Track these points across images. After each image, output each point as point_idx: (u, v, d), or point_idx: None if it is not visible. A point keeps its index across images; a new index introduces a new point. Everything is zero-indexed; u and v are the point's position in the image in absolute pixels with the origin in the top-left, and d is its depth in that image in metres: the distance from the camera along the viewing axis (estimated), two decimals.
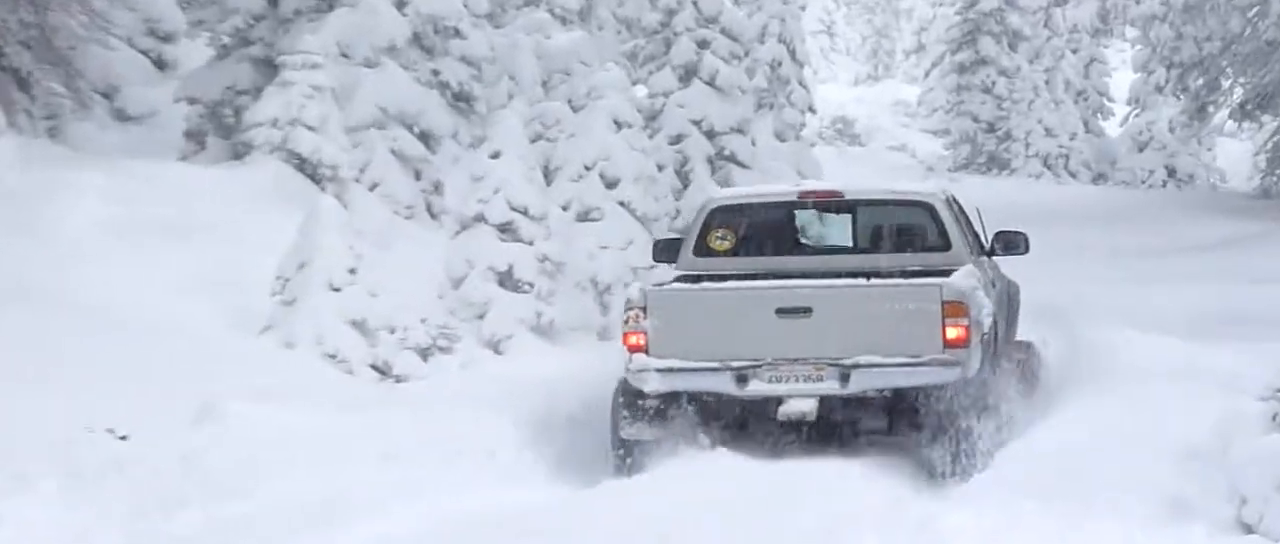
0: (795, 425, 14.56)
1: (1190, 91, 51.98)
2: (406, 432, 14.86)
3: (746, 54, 32.37)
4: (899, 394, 14.23)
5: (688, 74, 30.54)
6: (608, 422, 14.53)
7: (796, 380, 14.19)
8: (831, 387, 14.15)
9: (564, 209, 24.16)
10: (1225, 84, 50.56)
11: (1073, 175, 63.24)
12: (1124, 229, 42.69)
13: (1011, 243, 16.27)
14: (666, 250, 16.33)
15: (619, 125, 24.82)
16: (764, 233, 15.92)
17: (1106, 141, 65.32)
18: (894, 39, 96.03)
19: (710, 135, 30.38)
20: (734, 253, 15.70)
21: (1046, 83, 64.03)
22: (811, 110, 36.21)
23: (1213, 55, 49.79)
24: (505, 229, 21.87)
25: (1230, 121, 52.32)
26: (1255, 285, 28.46)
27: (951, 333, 13.94)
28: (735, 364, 14.19)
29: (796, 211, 16.20)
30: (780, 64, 36.72)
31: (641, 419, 14.35)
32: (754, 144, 30.73)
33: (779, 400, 14.38)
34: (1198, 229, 42.57)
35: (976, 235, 16.34)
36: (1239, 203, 52.28)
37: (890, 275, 15.02)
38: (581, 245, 23.71)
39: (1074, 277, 28.09)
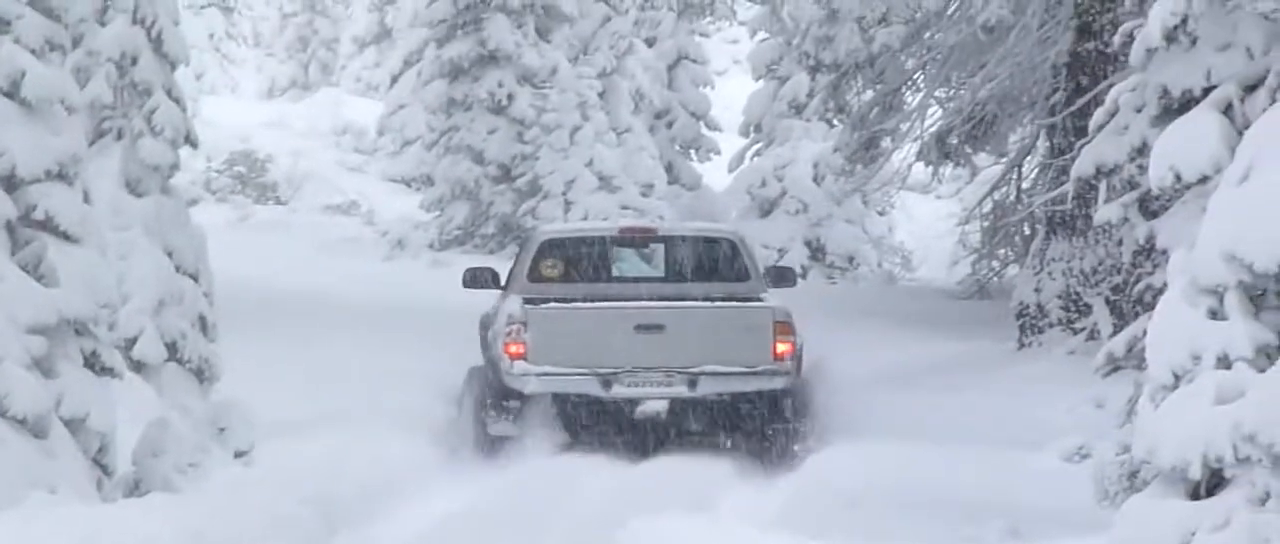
0: (649, 423, 18.87)
1: (852, 114, 31.93)
2: None
3: (79, 43, 22.28)
4: (737, 397, 18.66)
5: None
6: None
7: (652, 385, 18.53)
8: (681, 391, 18.54)
9: None
10: (911, 100, 31.03)
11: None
12: None
13: (783, 276, 20.19)
14: (477, 278, 20.27)
15: None
16: (586, 262, 19.98)
17: (706, 198, 44.60)
18: (337, 21, 63.61)
19: (10, 184, 18.73)
20: (563, 280, 19.77)
21: (602, 97, 42.51)
22: (191, 142, 23.34)
23: (891, 49, 29.90)
24: None
25: (919, 165, 31.66)
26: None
27: (781, 346, 18.40)
28: (602, 371, 18.47)
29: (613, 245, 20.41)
30: (136, 60, 23.45)
31: (507, 417, 18.52)
32: (87, 199, 19.90)
33: (636, 402, 18.72)
34: (873, 348, 25.86)
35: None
36: (934, 302, 34.32)
37: (722, 300, 19.21)
38: None
39: None
